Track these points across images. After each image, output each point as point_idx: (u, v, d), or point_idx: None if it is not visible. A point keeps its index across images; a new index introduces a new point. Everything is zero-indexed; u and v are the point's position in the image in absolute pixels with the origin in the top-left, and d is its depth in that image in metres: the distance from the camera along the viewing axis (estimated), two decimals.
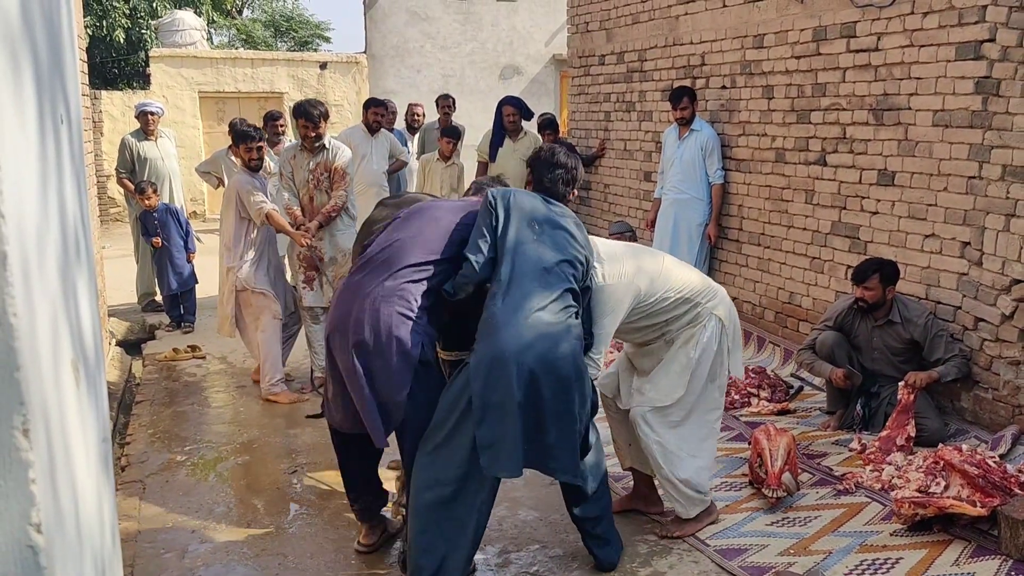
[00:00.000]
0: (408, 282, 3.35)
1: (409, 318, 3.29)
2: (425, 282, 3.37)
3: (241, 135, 5.86)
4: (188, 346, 7.13)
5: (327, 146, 5.91)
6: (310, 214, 5.90)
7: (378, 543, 3.78)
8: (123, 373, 7.00)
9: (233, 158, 7.48)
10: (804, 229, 5.95)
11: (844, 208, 5.57)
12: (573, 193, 3.73)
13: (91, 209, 6.95)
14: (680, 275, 3.73)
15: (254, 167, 5.87)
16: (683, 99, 6.70)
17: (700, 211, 6.80)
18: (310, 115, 5.80)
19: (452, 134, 8.38)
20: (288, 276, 6.34)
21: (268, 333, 5.87)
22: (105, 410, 1.53)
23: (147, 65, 15.69)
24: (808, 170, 5.87)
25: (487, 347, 3.15)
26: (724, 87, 6.73)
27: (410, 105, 9.54)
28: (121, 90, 16.13)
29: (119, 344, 7.73)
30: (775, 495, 3.92)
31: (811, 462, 4.48)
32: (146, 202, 7.82)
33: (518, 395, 3.07)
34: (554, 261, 3.33)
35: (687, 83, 7.12)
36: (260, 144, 5.90)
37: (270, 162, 7.53)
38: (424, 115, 9.72)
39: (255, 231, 5.82)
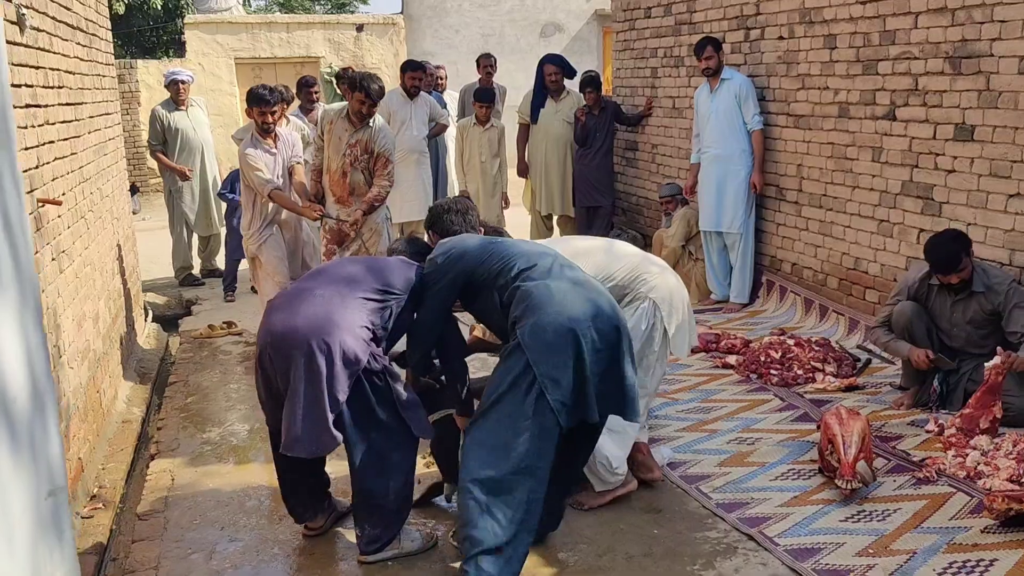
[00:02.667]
0: (363, 298, 3.35)
1: (361, 327, 3.27)
2: (379, 307, 3.36)
3: (256, 98, 5.71)
4: (224, 322, 6.93)
5: (371, 124, 5.68)
6: (342, 189, 5.72)
7: (326, 526, 3.66)
8: (159, 350, 6.84)
9: None
10: (871, 189, 5.51)
11: (916, 166, 5.12)
12: (479, 226, 3.80)
13: (122, 181, 6.75)
14: (607, 263, 3.78)
15: (265, 131, 5.75)
16: (707, 48, 6.39)
17: (745, 163, 6.43)
18: (371, 92, 5.55)
19: (485, 97, 8.00)
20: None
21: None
22: (53, 458, 1.25)
23: (183, 32, 15.46)
24: (875, 125, 5.41)
25: (545, 316, 3.08)
26: (781, 38, 6.26)
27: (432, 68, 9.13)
28: (159, 59, 15.96)
29: (156, 320, 7.57)
30: (849, 487, 3.57)
31: (885, 445, 4.11)
32: None
33: (590, 355, 3.07)
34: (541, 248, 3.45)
35: (740, 34, 6.67)
36: (274, 109, 5.75)
37: (306, 128, 7.27)
38: (446, 77, 9.32)
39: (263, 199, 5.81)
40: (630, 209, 8.74)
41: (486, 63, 8.95)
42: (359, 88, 5.54)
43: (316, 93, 7.95)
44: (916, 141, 5.10)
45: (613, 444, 3.66)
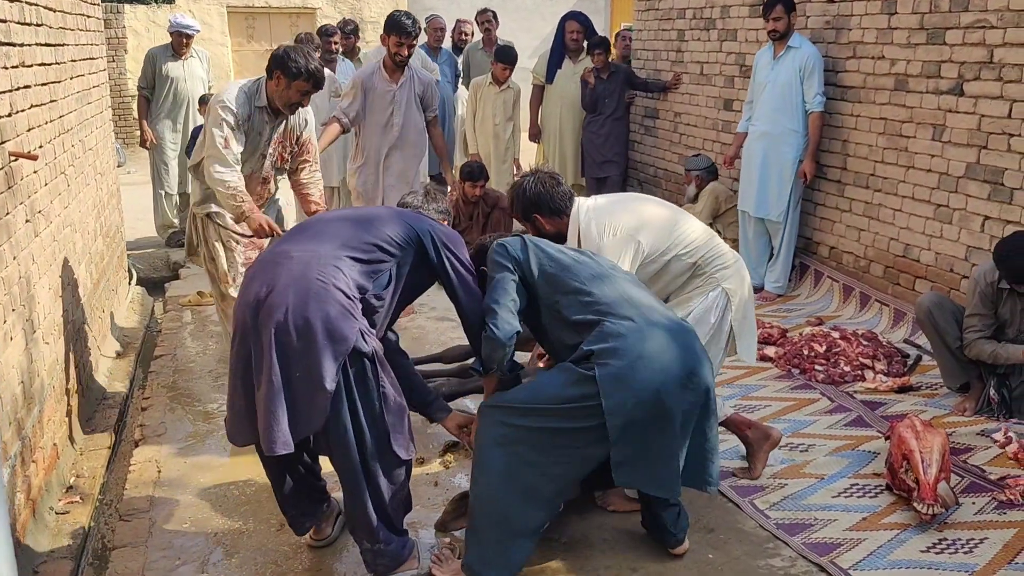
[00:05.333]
0: (349, 258, 2.84)
1: (347, 296, 2.75)
2: (371, 269, 2.88)
3: (396, 26, 5.38)
4: None
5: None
6: (259, 198, 4.35)
7: (334, 534, 3.20)
8: (144, 317, 6.35)
9: None
10: (929, 171, 5.05)
11: (985, 147, 4.66)
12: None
13: (107, 133, 6.21)
14: (691, 234, 3.39)
15: (399, 64, 5.52)
16: (776, 7, 5.69)
17: (795, 145, 5.82)
18: (319, 80, 4.04)
19: (507, 58, 7.43)
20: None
21: None
22: None
23: None
24: (938, 100, 4.94)
25: (635, 370, 2.70)
26: (831, 0, 5.76)
27: (458, 22, 8.57)
28: (146, 3, 15.23)
29: (140, 283, 7.07)
30: (931, 511, 3.15)
31: (955, 459, 3.69)
32: None
33: (678, 417, 2.75)
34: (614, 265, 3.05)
35: None
36: (414, 42, 5.47)
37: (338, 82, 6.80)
38: (473, 33, 8.76)
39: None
40: (647, 181, 8.26)
41: (483, 19, 8.42)
42: (305, 76, 3.95)
43: (336, 44, 7.42)
44: (987, 119, 4.63)
45: None
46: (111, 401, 4.70)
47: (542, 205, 3.33)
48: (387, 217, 3.06)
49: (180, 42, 7.58)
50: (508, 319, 2.78)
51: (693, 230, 3.41)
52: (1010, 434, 3.84)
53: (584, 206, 3.38)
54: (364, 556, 2.95)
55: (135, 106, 7.80)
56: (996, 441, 3.84)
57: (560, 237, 3.35)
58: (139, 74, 7.86)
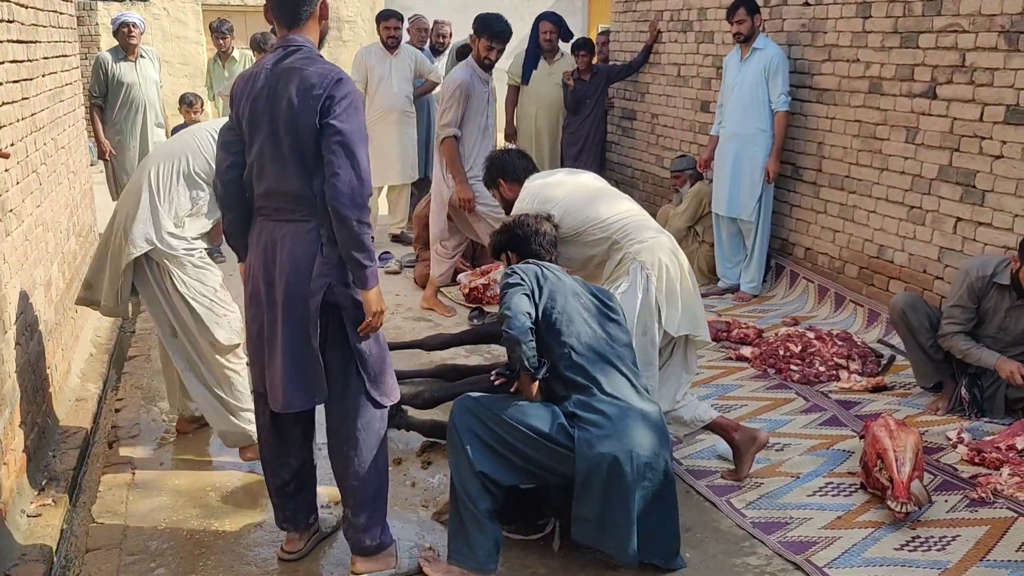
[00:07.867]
0: (305, 210, 2.75)
1: (313, 255, 2.75)
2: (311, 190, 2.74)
3: (500, 34, 5.42)
4: None
5: None
6: None
7: (305, 549, 3.14)
8: (117, 318, 6.28)
9: None
10: (903, 173, 5.10)
11: (957, 150, 4.71)
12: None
13: (80, 131, 6.14)
14: (605, 211, 3.54)
15: (487, 67, 5.51)
16: (738, 10, 5.76)
17: (765, 145, 5.87)
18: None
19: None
20: None
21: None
22: None
23: None
24: (912, 103, 4.99)
25: (607, 439, 2.85)
26: (807, 3, 5.80)
27: (436, 23, 8.54)
28: (121, 0, 15.09)
29: None
30: (905, 509, 3.18)
31: (929, 457, 3.73)
32: (193, 116, 6.94)
33: (636, 491, 2.87)
34: (620, 343, 3.08)
35: None
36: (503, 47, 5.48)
37: None
38: (451, 34, 8.73)
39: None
40: (624, 182, 8.28)
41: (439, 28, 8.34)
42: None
43: None
44: (959, 122, 4.68)
45: None
46: (84, 402, 4.65)
47: (506, 171, 3.82)
48: (304, 101, 2.69)
49: (128, 34, 7.04)
50: (521, 318, 2.86)
51: (610, 207, 3.56)
52: (963, 435, 3.87)
53: (534, 180, 3.68)
54: (346, 534, 2.97)
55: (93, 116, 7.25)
56: (949, 440, 3.88)
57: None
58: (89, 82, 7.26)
